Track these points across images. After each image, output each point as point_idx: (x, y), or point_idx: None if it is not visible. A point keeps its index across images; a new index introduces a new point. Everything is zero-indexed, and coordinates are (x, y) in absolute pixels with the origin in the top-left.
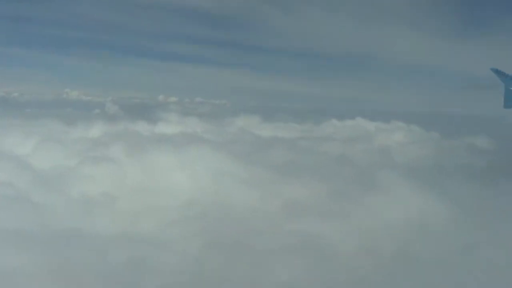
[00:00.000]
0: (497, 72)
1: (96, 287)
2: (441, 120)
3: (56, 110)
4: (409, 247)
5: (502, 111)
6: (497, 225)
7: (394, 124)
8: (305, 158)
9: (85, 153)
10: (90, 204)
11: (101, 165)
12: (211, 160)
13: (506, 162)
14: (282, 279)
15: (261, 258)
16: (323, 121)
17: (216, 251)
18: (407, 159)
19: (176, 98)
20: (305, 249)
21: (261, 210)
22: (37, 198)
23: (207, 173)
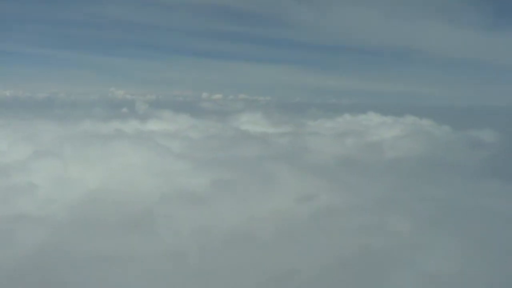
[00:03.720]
0: None
1: None
2: (471, 113)
3: (84, 109)
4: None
5: None
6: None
7: (406, 118)
8: (259, 152)
9: (46, 149)
10: (11, 191)
11: (45, 159)
12: (151, 154)
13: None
14: (100, 250)
15: (104, 232)
16: (337, 116)
17: (73, 226)
18: (375, 153)
19: (221, 95)
20: (148, 228)
21: (152, 196)
22: None
23: (135, 166)
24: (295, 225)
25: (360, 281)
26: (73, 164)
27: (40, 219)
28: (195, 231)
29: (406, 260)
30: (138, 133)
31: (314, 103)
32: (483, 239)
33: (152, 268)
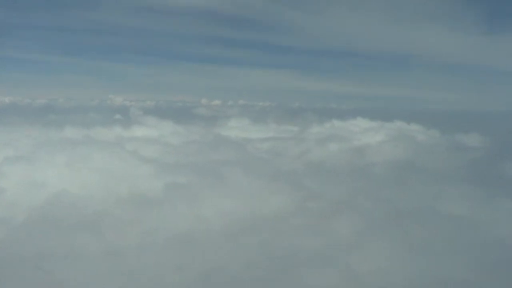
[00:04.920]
0: None
1: None
2: (465, 118)
3: (78, 116)
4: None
5: None
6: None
7: (394, 123)
8: (231, 157)
9: (20, 155)
10: None
11: (17, 164)
12: (117, 160)
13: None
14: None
15: (56, 232)
16: (326, 121)
17: (30, 227)
18: (351, 158)
19: (220, 101)
20: (97, 228)
21: (108, 199)
22: None
23: (100, 170)
24: (237, 227)
25: (278, 278)
26: (43, 168)
27: (1, 220)
28: (141, 232)
29: (333, 259)
30: (118, 139)
31: (313, 108)
32: (423, 241)
33: (90, 265)
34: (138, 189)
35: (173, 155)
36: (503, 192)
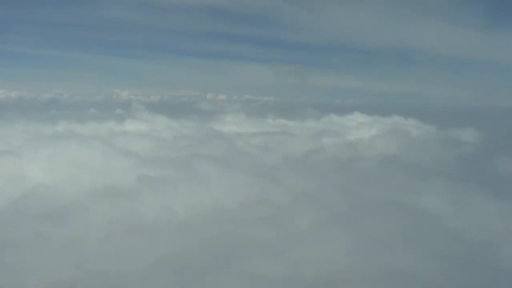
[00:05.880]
0: None
1: None
2: (468, 113)
3: (80, 111)
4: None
5: None
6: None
7: (391, 118)
8: (216, 151)
9: (10, 149)
10: None
11: (4, 158)
12: (98, 154)
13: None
14: None
15: (28, 221)
16: (323, 116)
17: (5, 216)
18: (337, 153)
19: (225, 96)
20: (66, 218)
21: (82, 191)
22: None
23: (80, 164)
24: (199, 218)
25: (224, 266)
26: (27, 162)
27: None
28: (106, 222)
29: (282, 250)
30: (109, 134)
31: (316, 103)
32: (381, 234)
33: (50, 252)
34: (112, 182)
35: (160, 149)
36: (482, 188)
